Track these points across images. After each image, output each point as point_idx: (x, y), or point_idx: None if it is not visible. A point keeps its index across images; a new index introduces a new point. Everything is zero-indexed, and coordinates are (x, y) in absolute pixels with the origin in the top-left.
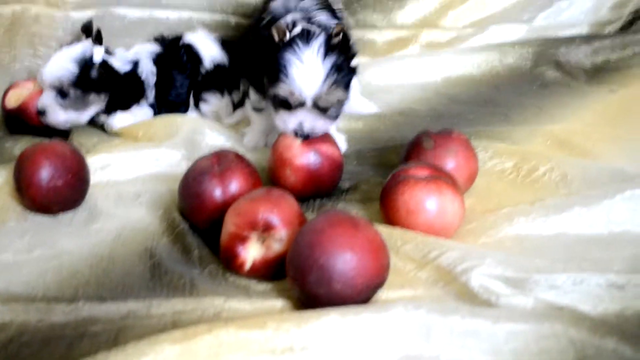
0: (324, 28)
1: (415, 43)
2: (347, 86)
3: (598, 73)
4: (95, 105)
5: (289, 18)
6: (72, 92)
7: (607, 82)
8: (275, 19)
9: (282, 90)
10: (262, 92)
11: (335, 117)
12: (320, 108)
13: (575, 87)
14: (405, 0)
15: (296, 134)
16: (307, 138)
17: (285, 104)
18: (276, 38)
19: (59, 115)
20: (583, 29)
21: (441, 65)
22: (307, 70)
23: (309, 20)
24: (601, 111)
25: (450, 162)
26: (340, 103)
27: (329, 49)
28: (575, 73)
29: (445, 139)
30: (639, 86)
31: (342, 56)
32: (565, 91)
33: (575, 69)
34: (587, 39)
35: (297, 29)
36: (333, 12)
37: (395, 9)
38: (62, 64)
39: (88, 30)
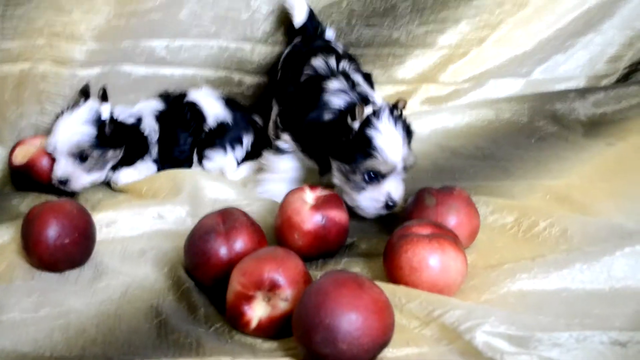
0: (372, 100)
1: (415, 97)
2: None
3: (595, 126)
4: (112, 161)
5: (335, 84)
6: (94, 153)
7: (605, 135)
8: (317, 77)
9: (374, 162)
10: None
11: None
12: (406, 169)
13: (572, 140)
14: (405, 55)
15: (387, 206)
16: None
17: (375, 177)
18: (358, 120)
19: (84, 179)
20: (580, 82)
21: (441, 119)
22: (389, 138)
23: (353, 86)
24: (599, 165)
25: (452, 219)
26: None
27: (396, 118)
28: (573, 126)
29: (446, 196)
30: (636, 139)
31: (405, 122)
32: (563, 145)
33: (573, 122)
34: (584, 92)
35: (369, 109)
36: (363, 74)
37: (396, 65)
38: (76, 129)
39: (86, 93)
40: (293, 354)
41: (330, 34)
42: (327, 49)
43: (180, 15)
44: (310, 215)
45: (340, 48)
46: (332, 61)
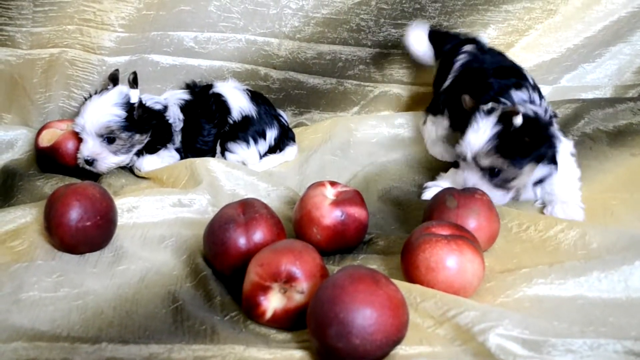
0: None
1: None
2: (518, 164)
3: (620, 136)
4: (139, 145)
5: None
6: (122, 135)
7: (630, 145)
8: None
9: (459, 146)
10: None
11: (502, 188)
12: (480, 167)
13: (596, 149)
14: None
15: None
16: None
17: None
18: (466, 106)
19: (111, 160)
20: (607, 92)
21: None
22: (476, 131)
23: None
24: (622, 175)
25: (472, 222)
26: (508, 174)
27: (500, 121)
28: (598, 135)
29: (468, 199)
30: None
31: (519, 135)
32: (587, 153)
33: (598, 132)
34: (610, 101)
35: (488, 105)
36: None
37: (422, 66)
38: (106, 111)
39: (115, 79)
40: (306, 346)
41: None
42: (519, 76)
43: (209, 8)
44: (330, 210)
45: (527, 74)
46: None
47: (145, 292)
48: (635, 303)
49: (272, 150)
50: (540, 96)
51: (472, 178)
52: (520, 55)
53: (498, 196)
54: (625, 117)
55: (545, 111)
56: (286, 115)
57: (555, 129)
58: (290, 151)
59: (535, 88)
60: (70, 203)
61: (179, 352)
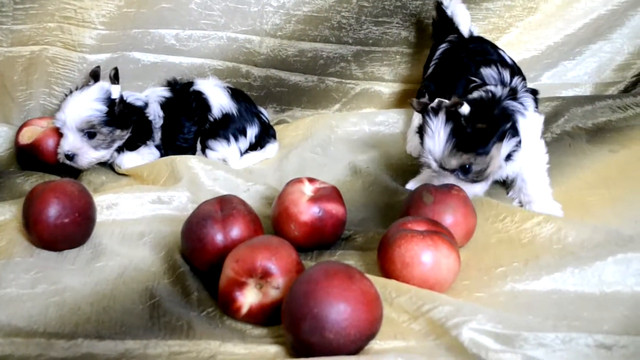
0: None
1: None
2: (484, 152)
3: (599, 133)
4: (119, 141)
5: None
6: (103, 130)
7: (608, 142)
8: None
9: (423, 156)
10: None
11: (479, 180)
12: (450, 168)
13: (575, 146)
14: (413, 55)
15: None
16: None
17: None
18: (415, 109)
19: (91, 155)
20: (587, 89)
21: None
22: (431, 137)
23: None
24: (600, 171)
25: (449, 218)
26: (479, 166)
27: (449, 118)
28: (577, 133)
29: (444, 195)
30: (639, 147)
31: (472, 124)
32: (566, 150)
33: (577, 129)
34: (590, 99)
35: (435, 103)
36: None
37: (404, 63)
38: (87, 106)
39: (96, 75)
40: (282, 341)
41: (475, 30)
42: (502, 62)
43: (190, 6)
44: (307, 206)
45: (509, 59)
46: (506, 74)
47: (122, 288)
48: (608, 297)
49: (252, 147)
50: (514, 75)
51: (447, 182)
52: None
53: (478, 189)
54: (605, 114)
55: (513, 90)
56: (267, 113)
57: (515, 102)
58: (271, 148)
59: (509, 66)
60: (49, 200)
61: (154, 347)
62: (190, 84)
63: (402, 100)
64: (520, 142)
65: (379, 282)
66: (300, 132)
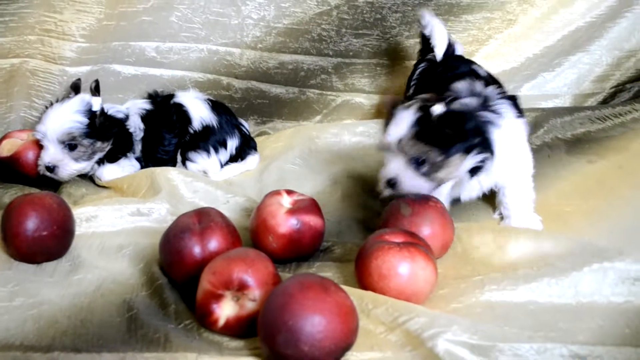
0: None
1: None
2: (443, 153)
3: (578, 144)
4: (100, 153)
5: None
6: (84, 142)
7: (587, 153)
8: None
9: (381, 140)
10: None
11: (428, 178)
12: (406, 155)
13: (554, 157)
14: (394, 67)
15: (389, 183)
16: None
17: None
18: (385, 109)
19: (72, 167)
20: (566, 101)
21: None
22: (397, 123)
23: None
24: (578, 182)
25: (427, 229)
26: (434, 163)
27: (420, 109)
28: (556, 144)
29: (422, 207)
30: (618, 157)
31: (441, 126)
32: (544, 161)
33: (556, 140)
34: (570, 110)
35: (407, 103)
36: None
37: (384, 75)
38: (68, 118)
39: (77, 88)
40: (258, 353)
41: (460, 49)
42: (475, 75)
43: (171, 18)
44: (285, 219)
45: (484, 72)
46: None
47: (100, 301)
48: (584, 308)
49: (233, 159)
50: (489, 85)
51: (396, 167)
52: (481, 64)
53: (422, 185)
54: (584, 125)
55: (486, 98)
56: (248, 125)
57: (489, 113)
58: (252, 160)
59: (482, 78)
60: (27, 213)
61: None
62: (171, 96)
63: (383, 111)
64: (488, 157)
65: (356, 294)
66: (281, 144)
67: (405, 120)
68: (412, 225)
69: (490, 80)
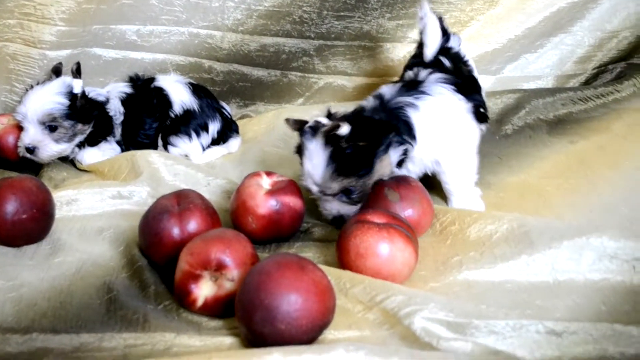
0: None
1: None
2: (366, 172)
3: (560, 125)
4: (80, 135)
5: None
6: (65, 123)
7: (569, 133)
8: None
9: (302, 179)
10: None
11: (364, 194)
12: (332, 193)
13: (536, 138)
14: (375, 49)
15: (335, 219)
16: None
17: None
18: (291, 129)
19: (52, 148)
20: (549, 82)
21: None
22: (310, 160)
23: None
24: (559, 162)
25: (417, 210)
26: (362, 186)
27: (328, 142)
28: (538, 124)
29: (407, 190)
30: (599, 138)
31: (353, 142)
32: (526, 142)
33: (538, 121)
34: (552, 91)
35: (312, 122)
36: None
37: (366, 57)
38: (49, 99)
39: (58, 71)
40: (237, 333)
41: (455, 42)
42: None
43: (151, 1)
44: (264, 200)
45: (447, 64)
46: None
47: (80, 283)
48: (561, 285)
49: (215, 142)
50: (435, 72)
51: (333, 207)
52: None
53: (356, 207)
54: (566, 106)
55: (414, 83)
56: (230, 108)
57: (407, 96)
58: (234, 143)
59: (431, 66)
60: (6, 196)
61: (109, 340)
62: (152, 80)
63: (365, 94)
64: (409, 148)
65: (333, 273)
66: (263, 126)
67: (317, 157)
68: (403, 210)
69: (445, 68)
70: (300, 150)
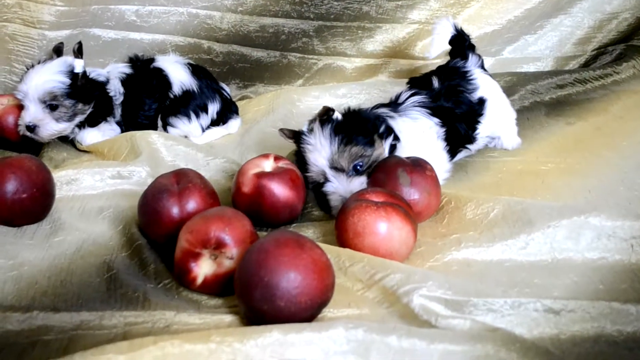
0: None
1: (385, 71)
2: (364, 141)
3: (558, 106)
4: (81, 115)
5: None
6: (65, 102)
7: (566, 115)
8: None
9: (309, 174)
10: None
11: (364, 173)
12: (344, 168)
13: (533, 119)
14: (375, 29)
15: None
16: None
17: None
18: (286, 138)
19: (52, 127)
20: (548, 63)
21: None
22: (314, 149)
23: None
24: (556, 143)
25: (424, 200)
26: (366, 158)
27: (324, 123)
28: (536, 106)
29: (420, 177)
30: (597, 119)
31: (347, 127)
32: (524, 124)
33: (537, 103)
34: (551, 73)
35: (306, 125)
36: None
37: (365, 38)
38: (50, 77)
39: (59, 51)
40: (236, 311)
41: (473, 60)
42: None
43: None
44: (250, 179)
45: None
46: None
47: (80, 262)
48: (559, 264)
49: (215, 123)
50: (415, 95)
51: (342, 185)
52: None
53: (358, 184)
54: (564, 88)
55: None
56: (229, 89)
57: (385, 109)
58: (234, 124)
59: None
60: (6, 175)
61: (109, 318)
62: (151, 60)
63: (365, 76)
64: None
65: (333, 251)
66: (263, 107)
67: (321, 139)
68: (411, 195)
69: (434, 93)
70: (299, 155)
